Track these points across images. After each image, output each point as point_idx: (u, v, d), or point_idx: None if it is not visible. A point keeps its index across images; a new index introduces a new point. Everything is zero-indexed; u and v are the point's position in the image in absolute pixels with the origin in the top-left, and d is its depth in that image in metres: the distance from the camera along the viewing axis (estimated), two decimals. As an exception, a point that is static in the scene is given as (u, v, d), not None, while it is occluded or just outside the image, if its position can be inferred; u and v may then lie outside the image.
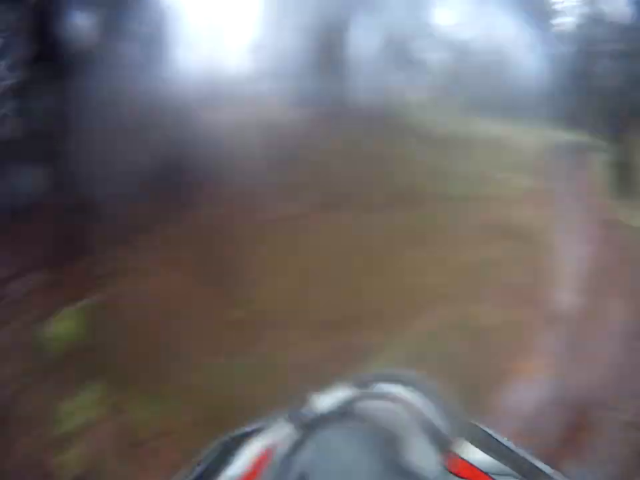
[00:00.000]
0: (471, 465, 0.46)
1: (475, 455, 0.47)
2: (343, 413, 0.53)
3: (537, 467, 0.46)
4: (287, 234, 2.31)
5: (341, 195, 2.57)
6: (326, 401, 0.57)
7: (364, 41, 2.89)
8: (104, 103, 1.98)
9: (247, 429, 0.61)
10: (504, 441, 0.51)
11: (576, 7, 3.22)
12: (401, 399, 0.53)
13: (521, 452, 0.49)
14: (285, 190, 2.25)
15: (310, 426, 0.51)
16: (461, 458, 0.47)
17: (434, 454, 0.46)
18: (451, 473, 0.44)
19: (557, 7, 3.19)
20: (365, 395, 0.55)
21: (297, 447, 0.48)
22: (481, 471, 0.46)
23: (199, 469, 0.63)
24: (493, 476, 0.45)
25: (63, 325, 2.51)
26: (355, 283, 2.17)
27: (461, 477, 0.44)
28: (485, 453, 0.48)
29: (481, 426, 0.53)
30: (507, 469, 0.46)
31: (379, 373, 0.65)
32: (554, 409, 2.05)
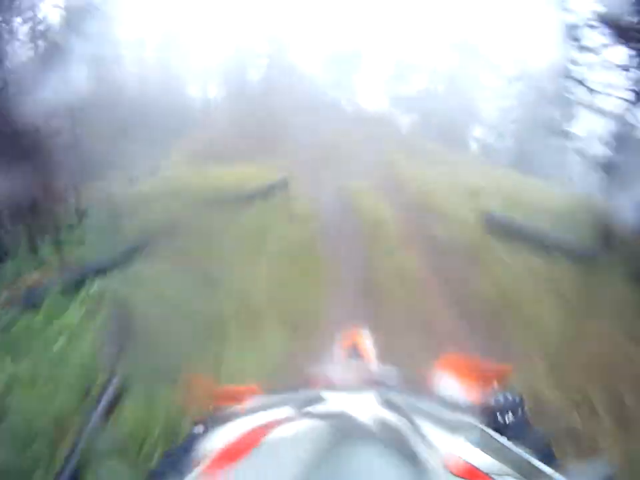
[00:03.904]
0: (471, 465, 0.46)
1: (475, 455, 0.47)
2: (374, 426, 0.51)
3: (536, 467, 0.46)
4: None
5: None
6: (348, 404, 0.56)
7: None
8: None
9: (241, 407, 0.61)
10: (504, 441, 0.51)
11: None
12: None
13: (521, 452, 0.49)
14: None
15: (341, 433, 0.49)
16: (461, 458, 0.46)
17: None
18: (451, 473, 0.44)
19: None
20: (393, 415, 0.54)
21: (320, 449, 0.46)
22: (481, 471, 0.45)
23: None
24: (493, 476, 0.45)
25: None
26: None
27: (461, 477, 0.44)
28: (485, 453, 0.47)
29: (481, 426, 0.53)
30: (507, 469, 0.46)
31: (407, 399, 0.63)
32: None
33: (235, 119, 13.15)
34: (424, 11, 14.29)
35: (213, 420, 0.68)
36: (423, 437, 0.48)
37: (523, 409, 0.70)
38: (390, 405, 0.55)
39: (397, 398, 0.58)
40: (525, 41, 13.41)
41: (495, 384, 0.77)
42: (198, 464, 0.50)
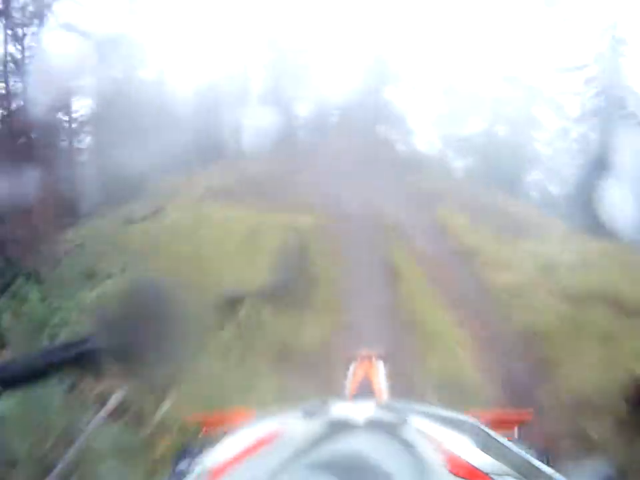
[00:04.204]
0: (471, 465, 0.55)
1: (475, 455, 0.57)
2: (380, 427, 0.62)
3: (536, 467, 0.55)
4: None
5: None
6: (353, 410, 0.68)
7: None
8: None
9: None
10: (504, 441, 0.60)
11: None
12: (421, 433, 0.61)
13: (521, 452, 0.58)
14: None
15: (338, 428, 0.60)
16: (461, 458, 0.56)
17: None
18: (451, 473, 0.53)
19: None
20: (395, 420, 0.64)
21: (316, 441, 0.57)
22: (481, 471, 0.55)
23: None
24: (493, 476, 0.54)
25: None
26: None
27: (461, 477, 0.53)
28: (485, 453, 0.57)
29: (481, 426, 0.62)
30: (507, 469, 0.55)
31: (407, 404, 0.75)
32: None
33: (269, 156, 12.83)
34: (481, 46, 15.16)
35: (200, 449, 0.79)
36: (422, 433, 0.59)
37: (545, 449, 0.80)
38: (389, 407, 0.66)
39: (396, 403, 0.69)
40: (586, 80, 14.03)
41: (516, 430, 0.91)
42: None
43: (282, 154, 13.05)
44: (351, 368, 1.70)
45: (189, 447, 0.83)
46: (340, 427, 0.61)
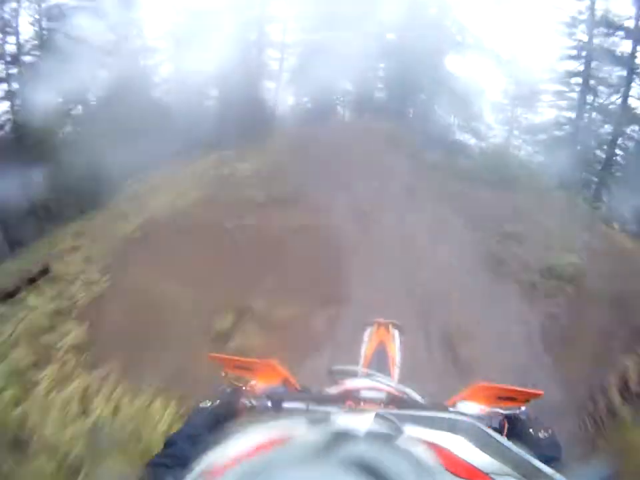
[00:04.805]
0: (471, 465, 0.56)
1: (475, 455, 0.57)
2: (386, 440, 0.62)
3: (536, 467, 0.55)
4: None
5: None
6: (354, 421, 0.69)
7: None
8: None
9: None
10: (504, 441, 0.60)
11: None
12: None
13: (521, 452, 0.57)
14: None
15: (340, 437, 0.61)
16: (461, 458, 0.57)
17: None
18: (451, 473, 0.54)
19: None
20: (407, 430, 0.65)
21: (316, 448, 0.57)
22: (481, 471, 0.55)
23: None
24: (493, 476, 0.55)
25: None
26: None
27: (461, 477, 0.54)
28: (485, 453, 0.57)
29: (481, 426, 0.62)
30: (507, 469, 0.55)
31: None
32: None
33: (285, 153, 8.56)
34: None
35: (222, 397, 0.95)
36: (417, 439, 0.60)
37: (553, 431, 0.83)
38: (386, 418, 0.68)
39: (393, 412, 0.70)
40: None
41: (525, 405, 0.93)
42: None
43: (307, 152, 8.38)
44: (367, 333, 1.74)
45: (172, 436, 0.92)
46: (341, 437, 0.63)
